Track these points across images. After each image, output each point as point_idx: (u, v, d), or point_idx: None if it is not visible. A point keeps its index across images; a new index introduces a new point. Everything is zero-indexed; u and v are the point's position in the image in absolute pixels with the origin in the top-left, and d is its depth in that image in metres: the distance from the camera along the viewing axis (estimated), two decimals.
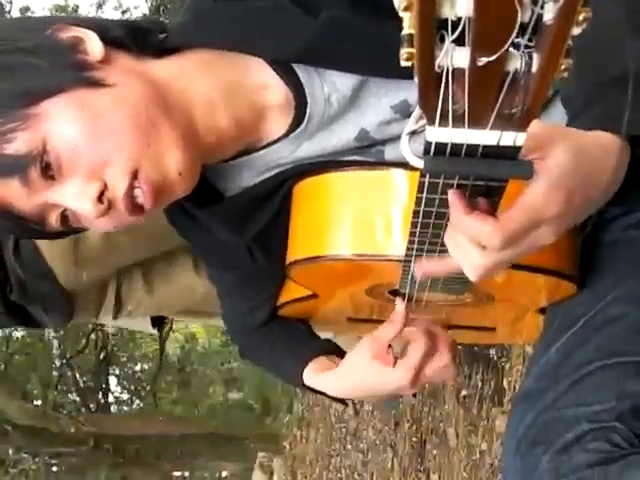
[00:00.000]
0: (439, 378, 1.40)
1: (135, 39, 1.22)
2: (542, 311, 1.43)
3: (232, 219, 1.38)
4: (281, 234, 1.37)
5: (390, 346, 1.35)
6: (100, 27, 1.19)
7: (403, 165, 1.19)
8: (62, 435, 12.51)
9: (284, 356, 1.62)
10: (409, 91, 1.17)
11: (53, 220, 1.18)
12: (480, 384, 3.71)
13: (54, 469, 15.24)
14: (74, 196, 1.12)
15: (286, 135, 1.27)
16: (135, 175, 1.13)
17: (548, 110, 1.21)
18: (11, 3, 11.02)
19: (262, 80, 1.24)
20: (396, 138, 1.24)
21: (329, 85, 1.23)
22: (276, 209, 1.36)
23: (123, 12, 12.72)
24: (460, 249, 0.92)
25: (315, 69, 1.23)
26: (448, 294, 1.31)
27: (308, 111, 1.24)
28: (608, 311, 1.25)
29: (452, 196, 0.81)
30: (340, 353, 1.57)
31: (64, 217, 1.18)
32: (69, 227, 1.20)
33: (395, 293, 1.38)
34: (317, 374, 1.50)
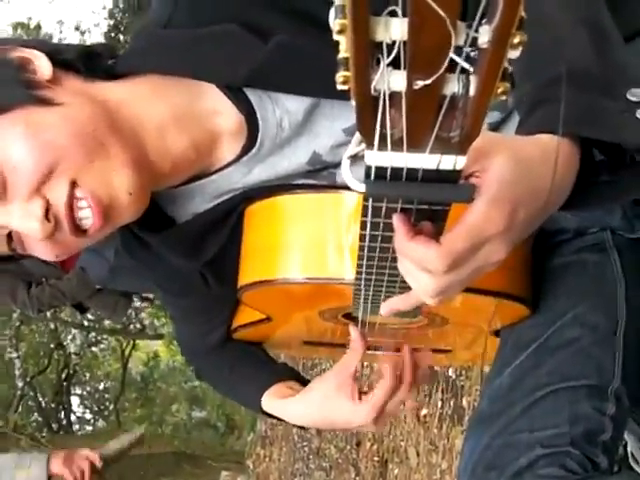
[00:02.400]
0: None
1: (85, 62, 1.20)
2: (497, 334, 1.42)
3: (184, 245, 1.36)
4: (234, 258, 1.35)
5: (356, 378, 1.36)
6: (49, 49, 1.18)
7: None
8: None
9: (243, 380, 1.61)
10: None
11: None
12: (440, 403, 3.72)
13: None
14: (20, 217, 1.09)
15: (237, 159, 1.25)
16: (74, 185, 1.10)
17: (507, 125, 1.20)
18: None
19: (214, 105, 1.22)
20: None
21: (281, 109, 1.21)
22: (228, 234, 1.34)
23: (82, 33, 12.69)
24: (410, 274, 0.90)
25: (267, 93, 1.21)
26: (402, 317, 1.30)
27: (260, 135, 1.23)
28: (560, 335, 1.25)
29: (396, 221, 0.79)
30: (298, 377, 1.56)
31: (9, 239, 1.14)
32: (13, 251, 1.17)
33: (349, 316, 1.37)
34: (277, 400, 1.50)
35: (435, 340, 1.56)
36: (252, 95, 1.21)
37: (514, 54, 0.53)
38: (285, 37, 1.14)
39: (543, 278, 1.31)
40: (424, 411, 3.89)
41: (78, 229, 1.13)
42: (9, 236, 1.14)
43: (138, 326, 16.12)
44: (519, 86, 0.96)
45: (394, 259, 0.92)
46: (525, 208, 0.85)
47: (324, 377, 1.40)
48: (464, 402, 3.45)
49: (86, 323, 15.77)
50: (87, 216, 1.12)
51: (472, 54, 0.54)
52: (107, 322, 15.83)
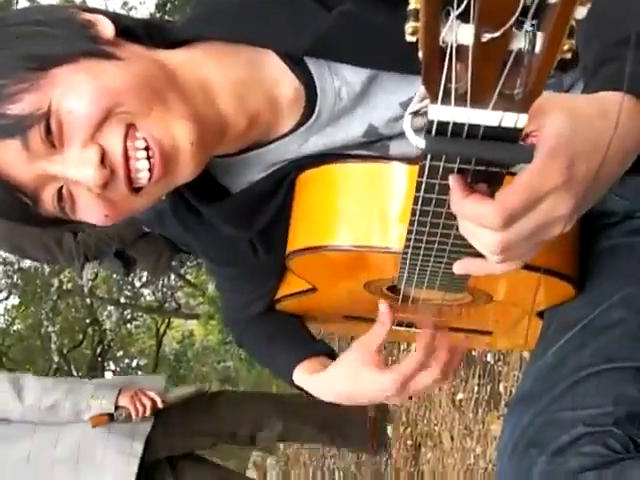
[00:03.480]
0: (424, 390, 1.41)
1: (146, 31, 1.22)
2: (541, 316, 1.42)
3: (238, 215, 1.37)
4: (283, 227, 1.36)
5: (380, 351, 1.38)
6: (112, 17, 1.19)
7: (406, 160, 1.19)
8: None
9: (281, 351, 1.62)
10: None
11: (49, 196, 1.14)
12: (476, 388, 3.70)
13: None
14: (75, 164, 1.09)
15: (295, 129, 1.26)
16: (132, 131, 1.10)
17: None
18: None
19: (274, 73, 1.23)
20: (403, 134, 1.23)
21: (340, 79, 1.22)
22: (280, 203, 1.35)
23: (129, 10, 12.73)
24: (471, 234, 0.89)
25: (326, 63, 1.22)
26: (446, 292, 1.30)
27: (318, 105, 1.23)
28: (606, 316, 1.25)
29: (452, 180, 0.79)
30: (331, 353, 1.57)
31: (60, 194, 1.14)
32: (62, 209, 1.16)
33: (393, 289, 1.37)
34: (306, 375, 1.52)
35: (477, 320, 1.56)
36: (312, 65, 1.21)
37: (582, 12, 0.53)
38: (349, 7, 1.14)
39: (590, 260, 1.30)
40: (460, 395, 3.88)
41: (132, 183, 1.13)
42: (59, 195, 1.14)
43: (174, 305, 16.19)
44: (584, 54, 0.96)
45: (445, 225, 0.92)
46: (586, 162, 0.83)
47: (349, 350, 1.41)
48: (501, 388, 3.43)
49: (123, 300, 15.87)
50: (143, 168, 1.12)
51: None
52: (143, 300, 15.93)
